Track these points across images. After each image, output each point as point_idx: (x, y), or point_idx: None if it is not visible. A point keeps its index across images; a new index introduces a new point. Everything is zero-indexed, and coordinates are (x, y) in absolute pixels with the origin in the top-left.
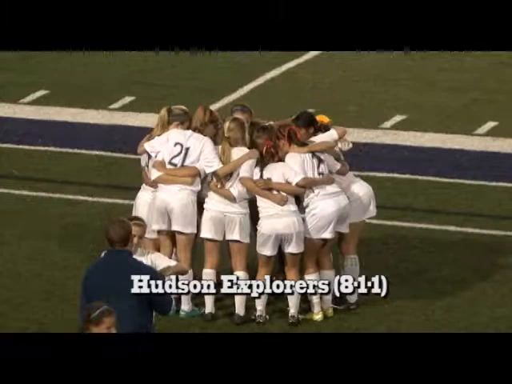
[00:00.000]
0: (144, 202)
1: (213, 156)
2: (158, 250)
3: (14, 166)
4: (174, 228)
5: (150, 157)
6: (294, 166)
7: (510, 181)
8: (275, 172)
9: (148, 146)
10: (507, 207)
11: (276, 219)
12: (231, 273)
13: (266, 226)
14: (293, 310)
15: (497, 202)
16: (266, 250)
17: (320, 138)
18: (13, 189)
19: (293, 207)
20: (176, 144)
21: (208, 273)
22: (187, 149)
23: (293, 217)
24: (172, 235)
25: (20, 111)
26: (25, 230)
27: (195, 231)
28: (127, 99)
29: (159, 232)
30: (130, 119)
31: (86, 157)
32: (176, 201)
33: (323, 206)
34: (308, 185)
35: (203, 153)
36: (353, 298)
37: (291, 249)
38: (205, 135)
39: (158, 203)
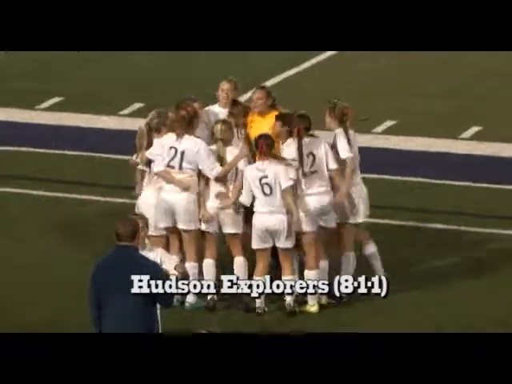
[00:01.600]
0: (147, 201)
1: (211, 161)
2: (165, 247)
3: (31, 168)
4: (179, 226)
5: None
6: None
7: (493, 182)
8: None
9: (148, 154)
10: (490, 206)
11: (267, 215)
12: (231, 261)
13: (258, 222)
14: (289, 298)
15: (480, 201)
16: (259, 244)
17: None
18: (29, 189)
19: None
20: (171, 148)
21: (208, 262)
22: (182, 152)
23: (283, 214)
24: (178, 231)
25: (37, 117)
26: (39, 228)
27: (198, 227)
28: (136, 106)
29: (166, 229)
30: (139, 124)
31: (98, 159)
32: (178, 201)
33: (307, 202)
34: None
35: (201, 159)
36: None
37: (282, 244)
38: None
39: (162, 204)
